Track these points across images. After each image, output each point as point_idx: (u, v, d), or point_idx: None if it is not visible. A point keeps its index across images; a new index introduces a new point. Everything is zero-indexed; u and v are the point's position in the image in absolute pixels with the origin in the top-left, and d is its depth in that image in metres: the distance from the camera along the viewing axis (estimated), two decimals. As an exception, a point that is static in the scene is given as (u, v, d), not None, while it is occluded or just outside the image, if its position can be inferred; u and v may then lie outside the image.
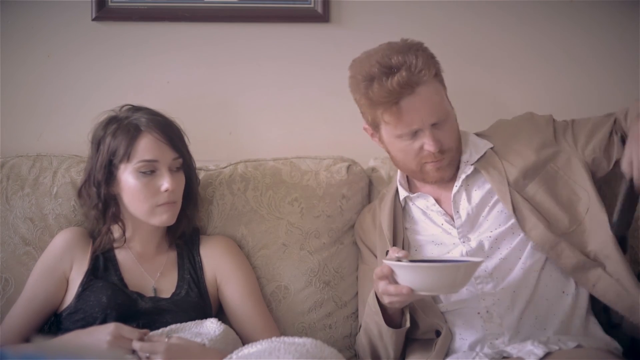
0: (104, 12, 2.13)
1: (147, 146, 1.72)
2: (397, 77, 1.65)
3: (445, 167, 1.75)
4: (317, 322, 1.93)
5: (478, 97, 2.20)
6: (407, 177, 1.87)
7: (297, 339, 1.46)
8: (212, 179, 1.99)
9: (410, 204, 1.83)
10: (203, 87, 2.19)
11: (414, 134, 1.70)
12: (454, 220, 1.75)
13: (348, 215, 2.00)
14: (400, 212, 1.82)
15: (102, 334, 1.57)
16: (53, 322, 1.77)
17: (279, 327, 1.87)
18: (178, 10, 2.15)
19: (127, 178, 1.73)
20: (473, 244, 1.71)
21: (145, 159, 1.71)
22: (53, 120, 2.16)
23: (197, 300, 1.76)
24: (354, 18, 2.20)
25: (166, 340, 1.55)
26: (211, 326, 1.68)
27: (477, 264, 1.55)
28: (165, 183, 1.72)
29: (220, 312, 1.85)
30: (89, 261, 1.77)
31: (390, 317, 1.64)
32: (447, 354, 1.67)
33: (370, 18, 2.20)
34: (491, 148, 1.80)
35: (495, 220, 1.72)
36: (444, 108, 1.72)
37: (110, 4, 2.14)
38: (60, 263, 1.77)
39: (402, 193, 1.83)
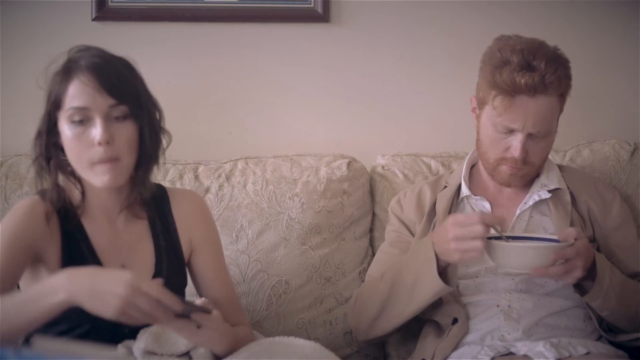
0: (104, 12, 2.13)
1: (75, 92, 1.46)
2: (529, 76, 1.65)
3: (519, 176, 1.75)
4: (317, 318, 1.93)
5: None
6: (470, 172, 1.87)
7: (296, 341, 1.44)
8: (210, 172, 1.99)
9: (466, 202, 1.83)
10: (203, 87, 2.19)
11: (509, 132, 1.71)
12: (501, 231, 1.75)
13: (349, 211, 2.00)
14: (454, 206, 1.82)
15: (112, 294, 1.25)
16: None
17: (280, 322, 1.87)
18: (178, 10, 2.15)
19: (63, 127, 1.49)
20: None
21: (73, 106, 1.46)
22: (53, 120, 2.15)
23: (176, 280, 1.58)
24: (354, 18, 2.20)
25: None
26: None
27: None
28: (96, 136, 1.44)
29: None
30: (60, 250, 1.51)
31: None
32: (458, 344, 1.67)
33: (370, 18, 2.21)
34: (569, 190, 1.81)
35: None
36: (549, 125, 1.72)
37: (110, 4, 2.13)
38: (26, 239, 1.48)
39: (465, 191, 1.82)
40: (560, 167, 1.88)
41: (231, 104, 2.20)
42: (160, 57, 2.18)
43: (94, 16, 2.13)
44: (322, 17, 2.17)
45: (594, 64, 2.26)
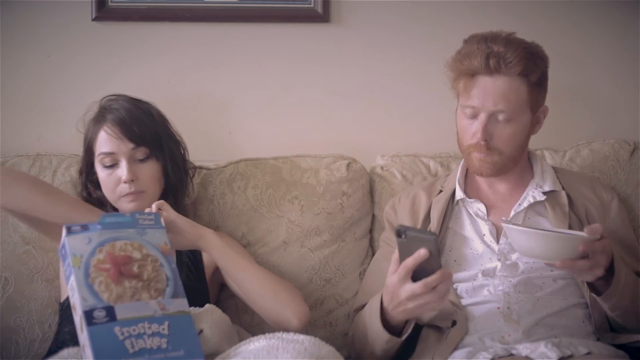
0: (104, 12, 2.13)
1: (102, 140, 1.77)
2: (484, 55, 1.68)
3: (488, 162, 1.73)
4: (318, 319, 1.93)
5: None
6: (465, 176, 1.86)
7: (295, 336, 1.45)
8: (213, 177, 1.99)
9: (461, 205, 1.82)
10: (203, 87, 2.19)
11: (474, 116, 1.72)
12: (497, 235, 1.75)
13: (349, 213, 2.00)
14: (449, 210, 1.81)
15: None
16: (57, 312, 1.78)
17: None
18: (178, 10, 2.16)
19: (97, 168, 1.79)
20: (509, 262, 1.71)
21: (102, 152, 1.77)
22: (53, 120, 2.16)
23: (196, 286, 1.75)
24: (354, 18, 2.20)
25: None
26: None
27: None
28: (122, 175, 1.75)
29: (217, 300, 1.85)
30: None
31: (389, 321, 1.62)
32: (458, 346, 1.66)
33: (370, 18, 2.20)
34: (565, 192, 1.80)
35: None
36: (512, 106, 1.70)
37: (110, 4, 2.14)
38: None
39: (459, 194, 1.82)
40: (556, 169, 1.87)
41: (231, 104, 2.20)
42: (160, 57, 2.18)
43: (94, 16, 2.13)
44: (322, 17, 2.17)
45: (594, 64, 2.26)
